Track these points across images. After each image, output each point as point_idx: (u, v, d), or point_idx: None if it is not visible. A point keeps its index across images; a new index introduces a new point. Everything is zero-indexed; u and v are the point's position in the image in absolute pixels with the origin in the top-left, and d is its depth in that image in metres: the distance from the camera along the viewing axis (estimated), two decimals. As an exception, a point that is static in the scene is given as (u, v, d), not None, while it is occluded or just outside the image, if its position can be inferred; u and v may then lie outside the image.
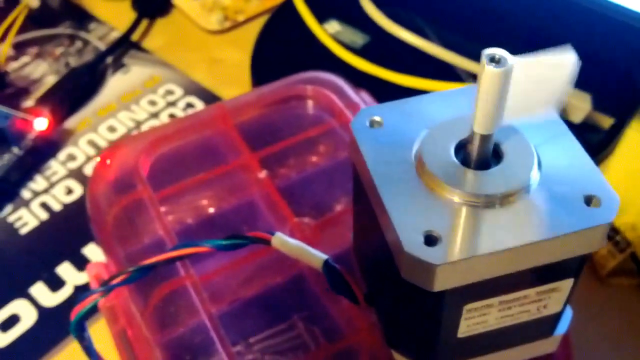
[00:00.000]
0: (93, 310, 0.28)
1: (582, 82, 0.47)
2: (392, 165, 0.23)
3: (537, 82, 0.21)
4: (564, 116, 0.45)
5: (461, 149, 0.23)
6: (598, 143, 0.45)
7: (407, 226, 0.21)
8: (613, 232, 0.40)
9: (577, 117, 0.45)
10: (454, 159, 0.23)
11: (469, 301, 0.22)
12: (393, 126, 0.24)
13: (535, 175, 0.22)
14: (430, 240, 0.20)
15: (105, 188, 0.34)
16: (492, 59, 0.20)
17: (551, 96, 0.21)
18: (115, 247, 0.33)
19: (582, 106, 0.46)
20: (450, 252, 0.20)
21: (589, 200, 0.21)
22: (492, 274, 0.21)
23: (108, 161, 0.35)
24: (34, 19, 0.59)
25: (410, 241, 0.20)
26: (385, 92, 0.46)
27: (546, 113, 0.21)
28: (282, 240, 0.27)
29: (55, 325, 0.40)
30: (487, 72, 0.19)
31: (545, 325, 0.25)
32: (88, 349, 0.28)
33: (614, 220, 0.21)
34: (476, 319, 0.23)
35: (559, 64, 0.20)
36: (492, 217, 0.21)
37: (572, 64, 0.20)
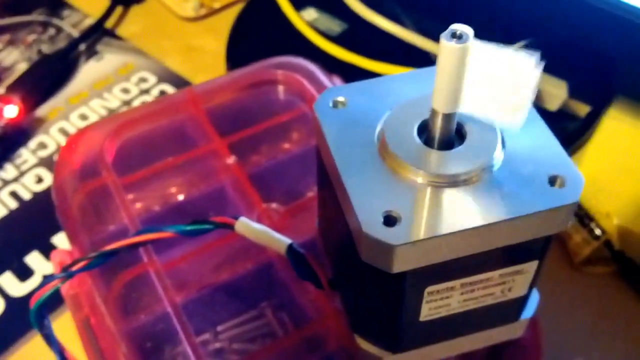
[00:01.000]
0: (54, 297, 0.27)
1: (559, 69, 0.47)
2: (355, 146, 0.22)
3: (496, 76, 0.20)
4: (540, 104, 0.45)
5: (424, 129, 0.22)
6: (574, 131, 0.45)
7: (367, 207, 0.20)
8: (588, 220, 0.40)
9: (553, 105, 0.45)
10: (417, 139, 0.22)
11: (430, 283, 0.22)
12: (357, 107, 0.24)
13: (499, 155, 0.22)
14: (390, 220, 0.20)
15: (70, 174, 0.34)
16: (454, 35, 0.19)
17: (510, 98, 0.20)
18: (80, 235, 0.32)
19: (558, 94, 0.45)
20: (410, 232, 0.20)
21: (553, 181, 0.21)
22: (454, 255, 0.20)
23: (73, 146, 0.34)
24: (6, 6, 0.58)
25: (369, 221, 0.20)
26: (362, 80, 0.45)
27: (504, 119, 0.20)
28: (246, 225, 0.27)
29: (23, 315, 0.39)
30: (446, 47, 0.19)
31: (510, 309, 0.24)
32: (48, 337, 0.28)
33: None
34: (438, 302, 0.22)
35: (521, 65, 0.19)
36: (455, 197, 0.21)
37: (534, 69, 0.19)
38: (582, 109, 0.46)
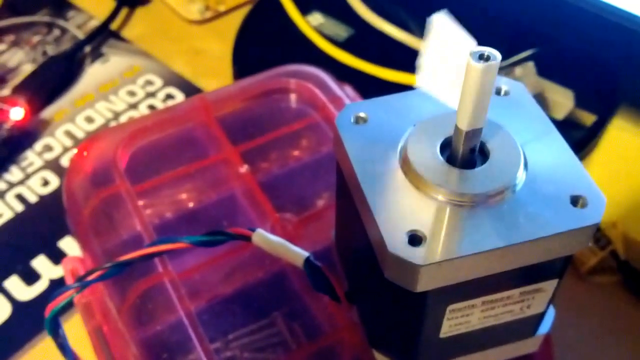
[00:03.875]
0: (68, 306, 0.27)
1: (566, 79, 0.48)
2: (377, 163, 0.23)
3: (447, 51, 0.21)
4: (547, 113, 0.45)
5: (447, 146, 0.23)
6: (580, 140, 0.45)
7: (391, 225, 0.21)
8: (594, 230, 0.40)
9: (559, 114, 0.45)
10: (440, 157, 0.22)
11: (452, 301, 0.22)
12: (378, 123, 0.24)
13: (521, 175, 0.22)
14: (414, 240, 0.20)
15: (82, 181, 0.34)
16: (481, 56, 0.19)
17: (452, 80, 0.21)
18: (91, 242, 0.32)
19: (564, 103, 0.46)
20: (434, 252, 0.20)
21: (575, 201, 0.21)
22: (477, 275, 0.21)
23: (85, 153, 0.34)
24: (11, 6, 0.58)
25: (394, 241, 0.20)
26: (367, 86, 0.45)
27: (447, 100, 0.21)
28: (263, 237, 0.27)
29: (30, 319, 0.39)
30: (473, 68, 0.19)
31: (528, 325, 0.25)
32: (62, 346, 0.28)
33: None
34: (459, 319, 0.23)
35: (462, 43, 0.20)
36: (478, 217, 0.21)
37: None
38: (588, 118, 0.46)
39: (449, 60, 0.21)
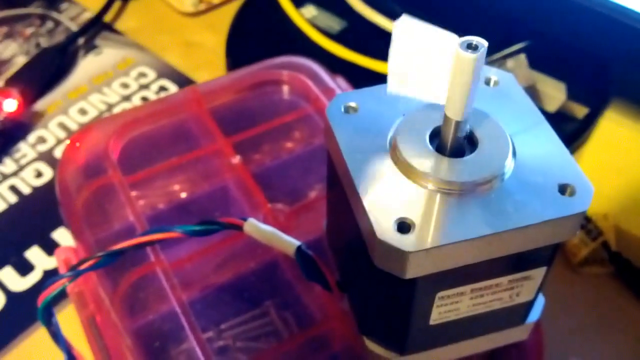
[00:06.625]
0: (61, 296, 0.27)
1: (558, 71, 0.48)
2: (367, 152, 0.23)
3: (420, 52, 0.20)
4: (539, 105, 0.45)
5: (436, 136, 0.23)
6: (572, 132, 0.45)
7: (380, 213, 0.21)
8: (585, 221, 0.40)
9: (552, 106, 0.46)
10: (429, 146, 0.22)
11: (441, 289, 0.22)
12: (368, 112, 0.24)
13: (509, 164, 0.22)
14: (403, 227, 0.20)
15: (74, 172, 0.34)
16: (469, 46, 0.19)
17: (433, 74, 0.20)
18: (84, 232, 0.32)
19: (557, 95, 0.46)
20: (423, 239, 0.20)
21: (563, 189, 0.21)
22: (465, 262, 0.21)
23: (78, 144, 0.34)
24: (4, -2, 0.57)
25: (383, 228, 0.20)
26: (361, 78, 0.45)
27: (428, 96, 0.21)
28: (255, 226, 0.27)
29: (24, 310, 0.39)
30: (461, 57, 0.19)
31: (517, 313, 0.25)
32: (55, 334, 0.28)
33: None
34: (448, 307, 0.23)
35: (441, 40, 0.20)
36: (466, 205, 0.21)
37: (453, 45, 0.20)
38: (580, 111, 0.46)
39: (427, 59, 0.21)
